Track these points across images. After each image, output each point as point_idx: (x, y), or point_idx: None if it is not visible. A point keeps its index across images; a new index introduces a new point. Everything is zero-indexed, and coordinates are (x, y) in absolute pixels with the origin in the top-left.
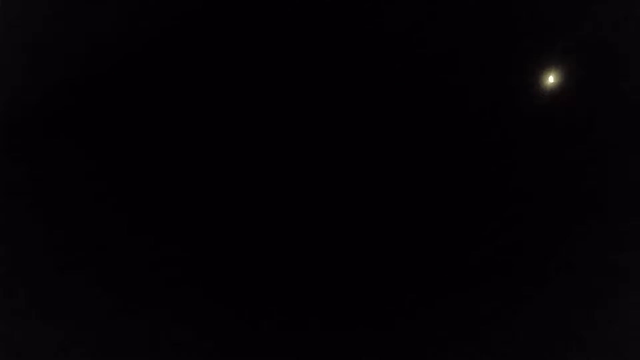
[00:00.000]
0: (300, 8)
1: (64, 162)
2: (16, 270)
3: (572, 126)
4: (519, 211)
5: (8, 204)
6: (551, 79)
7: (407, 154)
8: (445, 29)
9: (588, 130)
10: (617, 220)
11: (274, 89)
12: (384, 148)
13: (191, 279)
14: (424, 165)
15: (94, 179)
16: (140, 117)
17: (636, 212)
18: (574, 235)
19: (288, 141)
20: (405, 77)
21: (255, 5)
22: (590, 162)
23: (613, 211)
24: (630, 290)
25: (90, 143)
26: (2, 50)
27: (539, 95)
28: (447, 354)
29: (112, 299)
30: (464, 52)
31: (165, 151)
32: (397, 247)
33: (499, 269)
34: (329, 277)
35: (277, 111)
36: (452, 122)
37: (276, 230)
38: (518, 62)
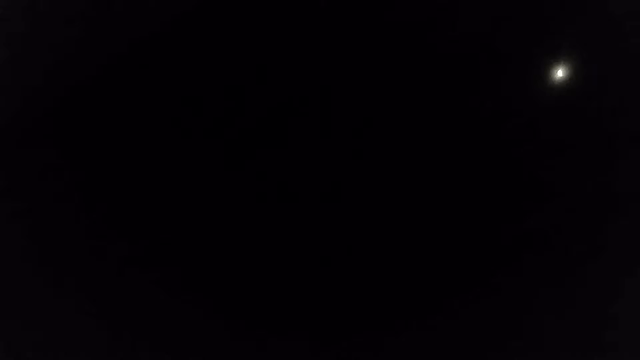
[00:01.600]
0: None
1: (45, 170)
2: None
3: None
4: (536, 207)
5: None
6: (570, 70)
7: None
8: (462, 19)
9: (610, 123)
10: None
11: (266, 78)
12: (396, 142)
13: (186, 289)
14: (440, 160)
15: (77, 187)
16: (128, 121)
17: None
18: (594, 230)
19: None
20: (421, 68)
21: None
22: (614, 157)
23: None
24: None
25: (72, 150)
26: None
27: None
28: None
29: (100, 307)
30: (481, 41)
31: (154, 155)
32: (406, 242)
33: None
34: (332, 288)
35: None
36: (463, 115)
37: (275, 232)
38: (540, 51)
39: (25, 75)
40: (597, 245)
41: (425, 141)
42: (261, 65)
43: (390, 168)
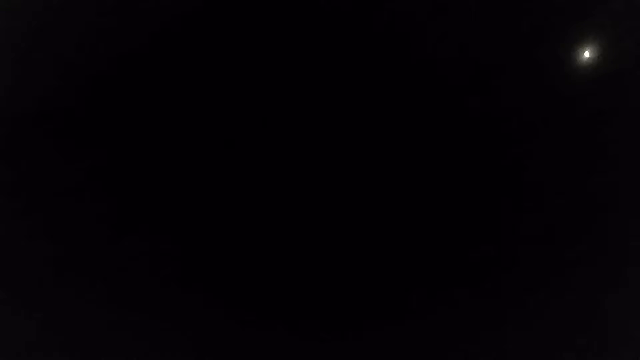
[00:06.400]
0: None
1: (57, 163)
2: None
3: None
4: (535, 203)
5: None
6: (580, 58)
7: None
8: (467, 12)
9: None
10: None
11: (270, 84)
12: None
13: (188, 282)
14: (441, 154)
15: (88, 179)
16: (136, 117)
17: None
18: (590, 227)
19: (294, 137)
20: (426, 60)
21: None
22: (610, 154)
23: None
24: None
25: (82, 144)
26: None
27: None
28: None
29: (108, 302)
30: (484, 34)
31: (164, 152)
32: (405, 241)
33: (506, 264)
34: (328, 279)
35: (275, 108)
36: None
37: (274, 231)
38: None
39: (39, 71)
40: (595, 245)
41: (424, 141)
42: (259, 69)
43: (390, 166)
